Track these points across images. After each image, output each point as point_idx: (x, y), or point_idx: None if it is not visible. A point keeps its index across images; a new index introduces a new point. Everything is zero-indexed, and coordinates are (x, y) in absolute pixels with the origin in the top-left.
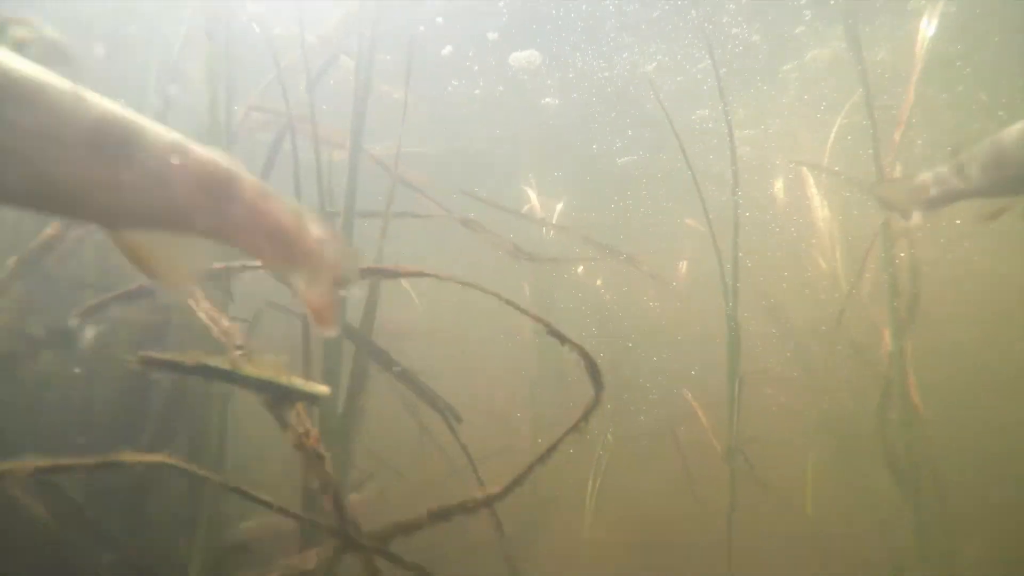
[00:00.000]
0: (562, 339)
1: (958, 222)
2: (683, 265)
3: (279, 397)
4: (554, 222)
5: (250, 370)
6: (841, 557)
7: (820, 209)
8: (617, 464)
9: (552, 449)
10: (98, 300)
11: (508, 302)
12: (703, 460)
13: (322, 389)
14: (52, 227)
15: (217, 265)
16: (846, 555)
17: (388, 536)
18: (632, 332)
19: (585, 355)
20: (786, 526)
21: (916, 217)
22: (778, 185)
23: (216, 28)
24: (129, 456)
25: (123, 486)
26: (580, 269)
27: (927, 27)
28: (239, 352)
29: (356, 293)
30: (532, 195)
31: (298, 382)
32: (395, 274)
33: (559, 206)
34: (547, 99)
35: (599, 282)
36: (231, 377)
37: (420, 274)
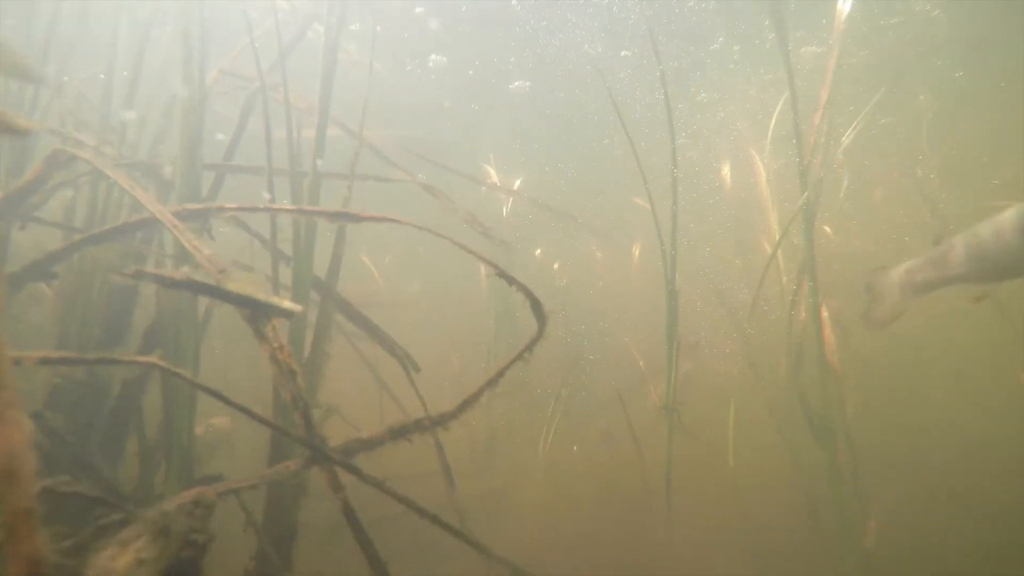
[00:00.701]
0: (510, 280)
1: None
2: (636, 248)
3: (258, 312)
4: (512, 194)
5: (232, 286)
6: (761, 500)
7: (763, 193)
8: (568, 424)
9: (500, 374)
10: (72, 240)
11: (460, 245)
12: (645, 419)
13: (296, 307)
14: (35, 168)
15: (196, 206)
16: (766, 499)
17: (352, 450)
18: (586, 310)
19: (529, 294)
20: (714, 474)
21: (900, 305)
22: (725, 170)
23: None
24: (123, 355)
25: (102, 423)
26: (538, 252)
27: (843, 5)
28: (221, 274)
29: None
30: (491, 171)
31: (274, 299)
32: (358, 218)
33: (517, 182)
34: (517, 82)
35: (556, 266)
36: (215, 291)
37: (382, 219)
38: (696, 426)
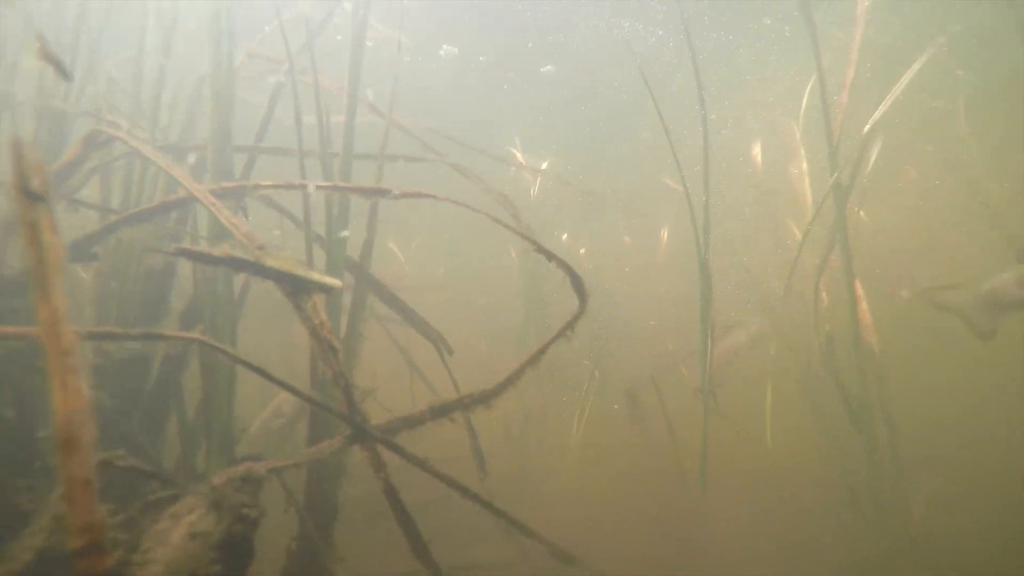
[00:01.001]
0: (549, 256)
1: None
2: (664, 232)
3: (297, 288)
4: (539, 174)
5: (272, 262)
6: (799, 482)
7: (798, 173)
8: (601, 407)
9: (542, 351)
10: (109, 222)
11: (497, 220)
12: (679, 402)
13: (335, 281)
14: (72, 149)
15: (231, 184)
16: (804, 480)
17: (394, 428)
18: (615, 294)
19: (569, 270)
20: (750, 457)
21: (991, 323)
22: (757, 150)
23: None
24: (168, 331)
25: (143, 401)
26: (564, 237)
27: None
28: (260, 251)
29: None
30: (517, 154)
31: (314, 274)
32: (394, 194)
33: (544, 165)
34: (547, 67)
35: (582, 251)
36: (256, 268)
37: (418, 195)
38: (731, 409)
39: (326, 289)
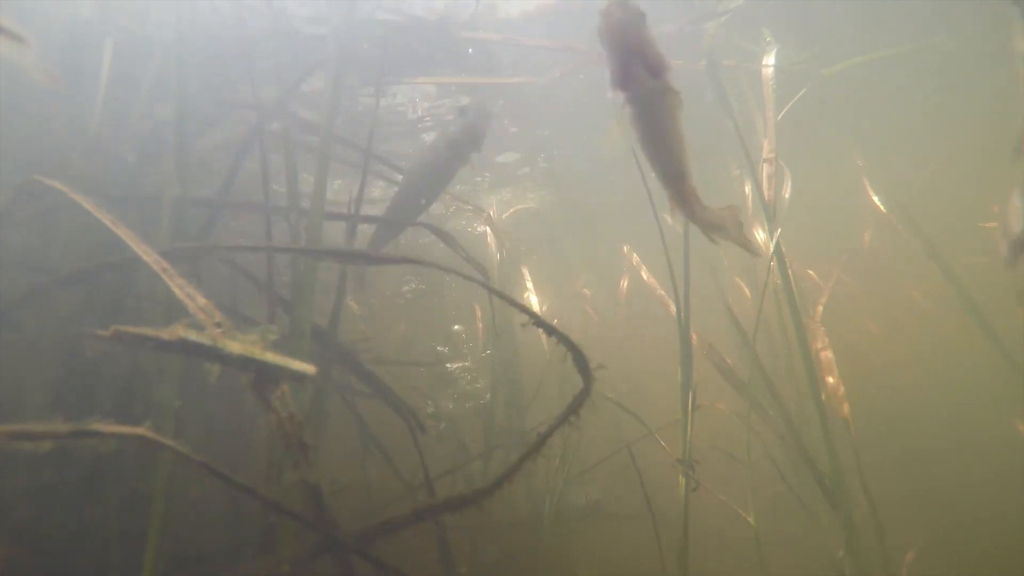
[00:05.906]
0: (549, 331)
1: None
2: (624, 284)
3: (264, 376)
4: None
5: (234, 347)
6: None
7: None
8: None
9: (542, 442)
10: (38, 284)
11: (498, 293)
12: (659, 473)
13: (309, 368)
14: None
15: (187, 244)
16: (788, 560)
17: (371, 536)
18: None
19: (573, 347)
20: (733, 531)
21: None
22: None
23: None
24: (104, 426)
25: (59, 493)
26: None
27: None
28: (219, 330)
29: None
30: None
31: (285, 360)
32: (373, 259)
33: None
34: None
35: (545, 307)
36: (214, 354)
37: (401, 261)
38: (711, 481)
39: (298, 377)
